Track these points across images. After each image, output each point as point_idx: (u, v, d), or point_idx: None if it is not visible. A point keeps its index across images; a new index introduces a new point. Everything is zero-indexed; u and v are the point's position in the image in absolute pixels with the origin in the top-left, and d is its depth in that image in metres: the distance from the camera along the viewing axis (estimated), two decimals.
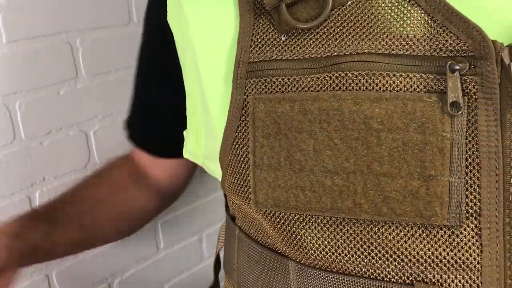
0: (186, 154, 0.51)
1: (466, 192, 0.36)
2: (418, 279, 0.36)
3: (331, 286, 0.39)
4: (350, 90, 0.38)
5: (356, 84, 0.38)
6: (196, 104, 0.46)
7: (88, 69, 0.81)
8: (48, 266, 0.80)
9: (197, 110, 0.46)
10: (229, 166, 0.43)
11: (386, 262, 0.37)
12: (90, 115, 0.83)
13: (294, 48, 0.40)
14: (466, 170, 0.36)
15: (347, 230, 0.38)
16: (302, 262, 0.40)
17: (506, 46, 0.35)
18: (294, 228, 0.40)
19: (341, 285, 0.39)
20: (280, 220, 0.40)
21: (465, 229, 0.36)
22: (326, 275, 0.39)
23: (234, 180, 0.43)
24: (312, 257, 0.39)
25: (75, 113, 0.82)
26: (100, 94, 0.83)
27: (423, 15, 0.38)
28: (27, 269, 0.74)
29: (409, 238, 0.36)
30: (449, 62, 0.36)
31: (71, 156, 0.82)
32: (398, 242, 0.37)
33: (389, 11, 0.38)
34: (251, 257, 0.45)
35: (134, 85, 0.65)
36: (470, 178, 0.36)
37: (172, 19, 0.46)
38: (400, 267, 0.37)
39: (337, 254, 0.38)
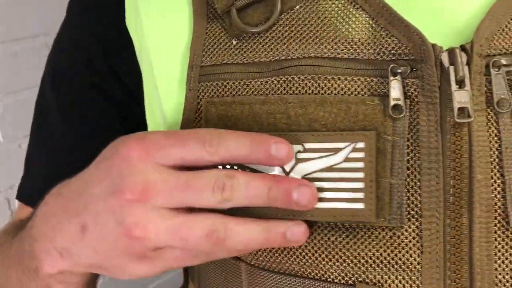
0: None
1: (408, 194, 0.36)
2: (359, 279, 0.37)
3: (278, 287, 0.40)
4: (296, 93, 0.38)
5: (303, 87, 0.38)
6: (155, 109, 0.46)
7: None
8: None
9: (156, 115, 0.46)
10: None
11: (329, 263, 0.37)
12: None
13: (244, 52, 0.41)
14: (408, 172, 0.36)
15: None
16: (252, 263, 0.41)
17: (446, 50, 0.36)
18: None
19: (288, 285, 0.39)
20: None
21: (406, 230, 0.36)
22: (274, 276, 0.39)
23: None
24: (261, 258, 0.40)
25: None
26: None
27: (367, 19, 0.38)
28: None
29: (351, 239, 0.37)
30: (391, 66, 0.36)
31: None
32: (340, 243, 0.37)
33: (336, 15, 0.39)
34: None
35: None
36: (412, 180, 0.36)
37: (130, 24, 0.46)
38: (343, 268, 0.37)
39: (283, 256, 0.39)
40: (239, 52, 0.41)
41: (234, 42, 0.41)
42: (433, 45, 0.36)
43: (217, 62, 0.41)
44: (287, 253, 0.38)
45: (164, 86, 0.43)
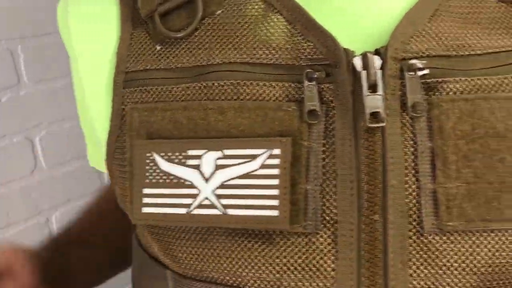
0: (91, 163, 0.52)
1: (323, 200, 0.36)
2: (274, 286, 0.37)
3: None
4: (216, 99, 0.38)
5: (223, 93, 0.38)
6: (85, 115, 0.46)
7: (31, 76, 0.82)
8: None
9: (87, 121, 0.46)
10: (113, 176, 0.43)
11: (245, 270, 0.37)
12: (35, 122, 0.84)
13: (168, 57, 0.40)
14: (324, 177, 0.36)
15: (211, 239, 0.38)
16: (176, 271, 0.40)
17: (360, 55, 0.36)
18: (168, 239, 0.40)
19: None
20: (158, 231, 0.41)
21: (321, 236, 0.36)
22: (196, 283, 0.39)
23: (119, 191, 0.43)
24: (183, 266, 0.39)
25: (19, 120, 0.82)
26: (45, 100, 0.84)
27: (285, 23, 0.38)
28: None
29: (267, 246, 0.37)
30: (306, 71, 0.36)
31: (17, 163, 0.83)
32: (256, 250, 0.37)
33: (256, 20, 0.39)
34: (142, 265, 0.45)
35: None
36: (327, 186, 0.36)
37: (62, 30, 0.46)
38: (258, 275, 0.37)
39: (203, 263, 0.38)
40: (162, 57, 0.41)
41: (158, 48, 0.41)
42: (346, 50, 0.36)
43: (141, 67, 0.41)
44: (207, 261, 0.38)
45: (91, 92, 0.43)
